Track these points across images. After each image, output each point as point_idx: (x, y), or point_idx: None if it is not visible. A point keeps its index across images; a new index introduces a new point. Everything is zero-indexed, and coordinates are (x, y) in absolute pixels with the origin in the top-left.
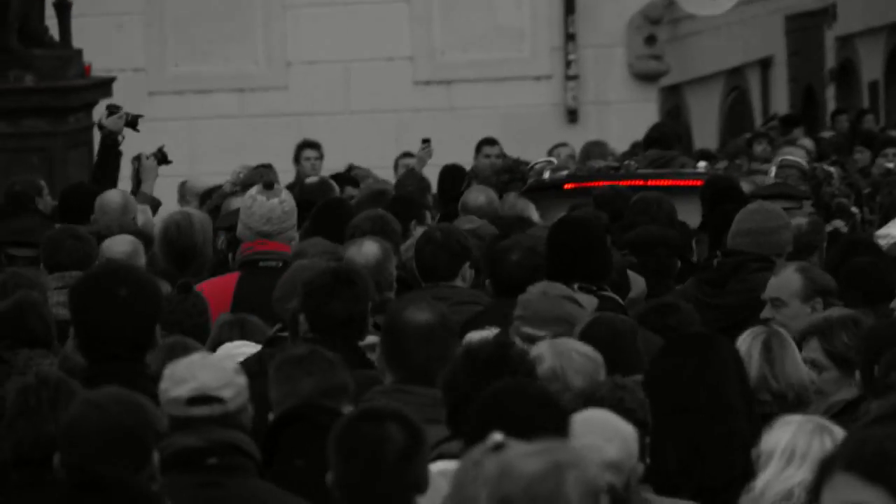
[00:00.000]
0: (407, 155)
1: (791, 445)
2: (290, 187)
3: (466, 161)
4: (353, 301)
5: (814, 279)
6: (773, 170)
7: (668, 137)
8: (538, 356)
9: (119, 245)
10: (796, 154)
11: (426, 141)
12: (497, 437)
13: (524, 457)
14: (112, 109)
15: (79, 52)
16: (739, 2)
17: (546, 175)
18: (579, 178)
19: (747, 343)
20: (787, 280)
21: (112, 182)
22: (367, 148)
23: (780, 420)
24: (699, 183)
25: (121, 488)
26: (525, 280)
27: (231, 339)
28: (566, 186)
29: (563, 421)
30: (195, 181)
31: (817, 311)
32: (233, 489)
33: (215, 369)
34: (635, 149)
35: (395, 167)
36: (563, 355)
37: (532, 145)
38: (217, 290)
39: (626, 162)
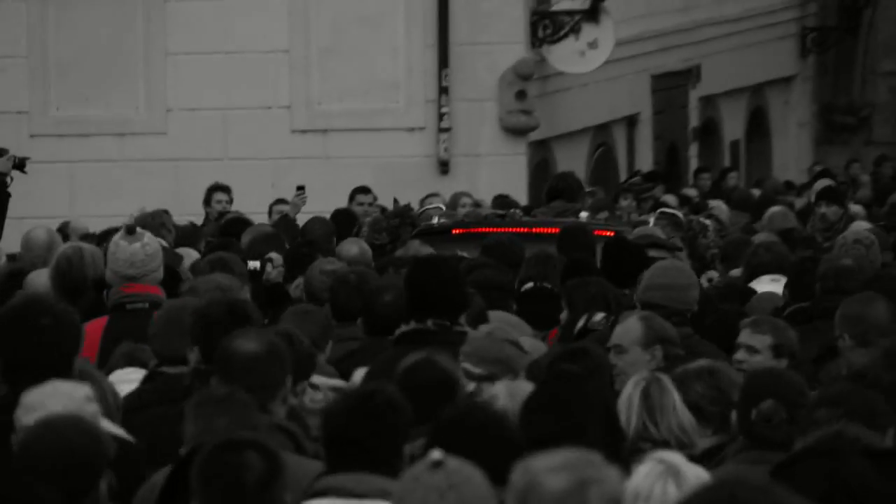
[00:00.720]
0: (281, 201)
1: (636, 489)
2: (202, 225)
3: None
4: None
5: (653, 327)
6: (652, 220)
7: (573, 189)
8: (493, 396)
9: (42, 278)
10: (672, 206)
11: (300, 188)
12: (436, 454)
13: (549, 472)
14: (0, 152)
15: None
16: (607, 60)
17: (435, 220)
18: (467, 224)
19: (629, 391)
20: (628, 327)
21: (0, 222)
22: (244, 194)
23: (647, 457)
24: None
25: None
26: (397, 319)
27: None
28: (454, 231)
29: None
30: (77, 222)
31: (656, 359)
32: None
33: (64, 398)
34: (498, 200)
35: (269, 213)
36: (515, 397)
37: (404, 194)
38: (87, 332)
39: (511, 210)
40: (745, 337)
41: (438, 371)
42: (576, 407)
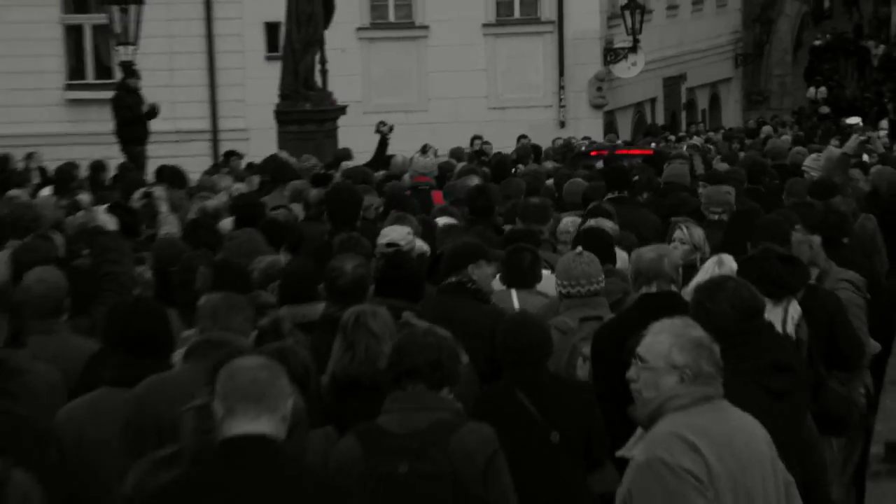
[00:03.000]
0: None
1: (703, 267)
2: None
3: None
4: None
5: None
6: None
7: (655, 131)
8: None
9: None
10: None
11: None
12: (579, 248)
13: (646, 250)
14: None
15: None
16: (641, 71)
17: (583, 147)
18: (599, 147)
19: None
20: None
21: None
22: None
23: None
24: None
25: None
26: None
27: None
28: (592, 153)
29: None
30: None
31: None
32: None
33: None
34: (607, 137)
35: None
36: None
37: (549, 137)
38: None
39: (619, 141)
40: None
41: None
42: None
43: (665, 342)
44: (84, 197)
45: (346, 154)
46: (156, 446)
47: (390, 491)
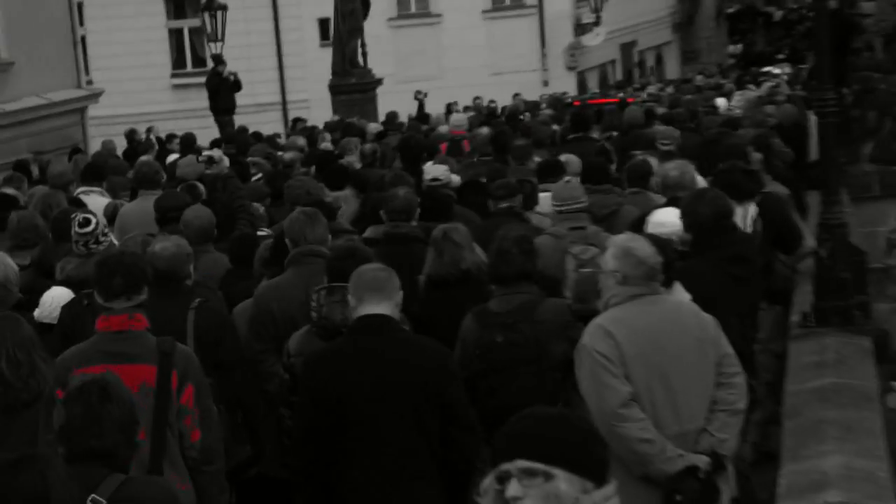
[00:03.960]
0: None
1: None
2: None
3: None
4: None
5: None
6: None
7: (615, 86)
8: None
9: None
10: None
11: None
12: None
13: (669, 167)
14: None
15: None
16: (604, 39)
17: (569, 99)
18: (580, 97)
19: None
20: None
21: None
22: None
23: None
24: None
25: None
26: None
27: None
28: (574, 103)
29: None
30: None
31: None
32: None
33: None
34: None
35: None
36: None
37: (535, 93)
38: None
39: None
40: None
41: None
42: None
43: (609, 252)
44: (216, 153)
45: (394, 115)
46: (273, 332)
47: (492, 354)
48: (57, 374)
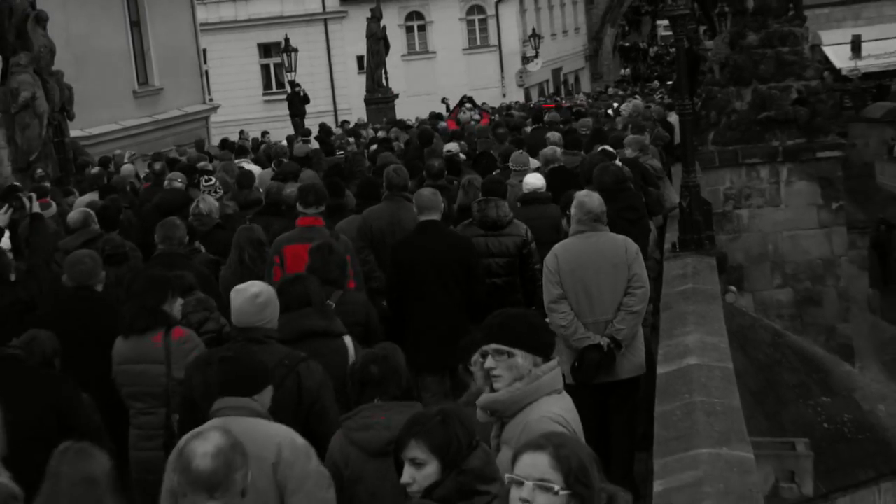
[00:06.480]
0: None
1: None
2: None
3: None
4: None
5: None
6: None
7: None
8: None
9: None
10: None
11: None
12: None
13: (548, 149)
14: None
15: None
16: (542, 67)
17: (531, 104)
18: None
19: None
20: None
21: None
22: None
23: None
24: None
25: None
26: None
27: None
28: (545, 105)
29: None
30: None
31: None
32: None
33: None
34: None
35: None
36: None
37: (497, 100)
38: None
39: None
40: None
41: None
42: None
43: (572, 203)
44: (312, 140)
45: (403, 122)
46: (369, 237)
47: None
48: (273, 247)
